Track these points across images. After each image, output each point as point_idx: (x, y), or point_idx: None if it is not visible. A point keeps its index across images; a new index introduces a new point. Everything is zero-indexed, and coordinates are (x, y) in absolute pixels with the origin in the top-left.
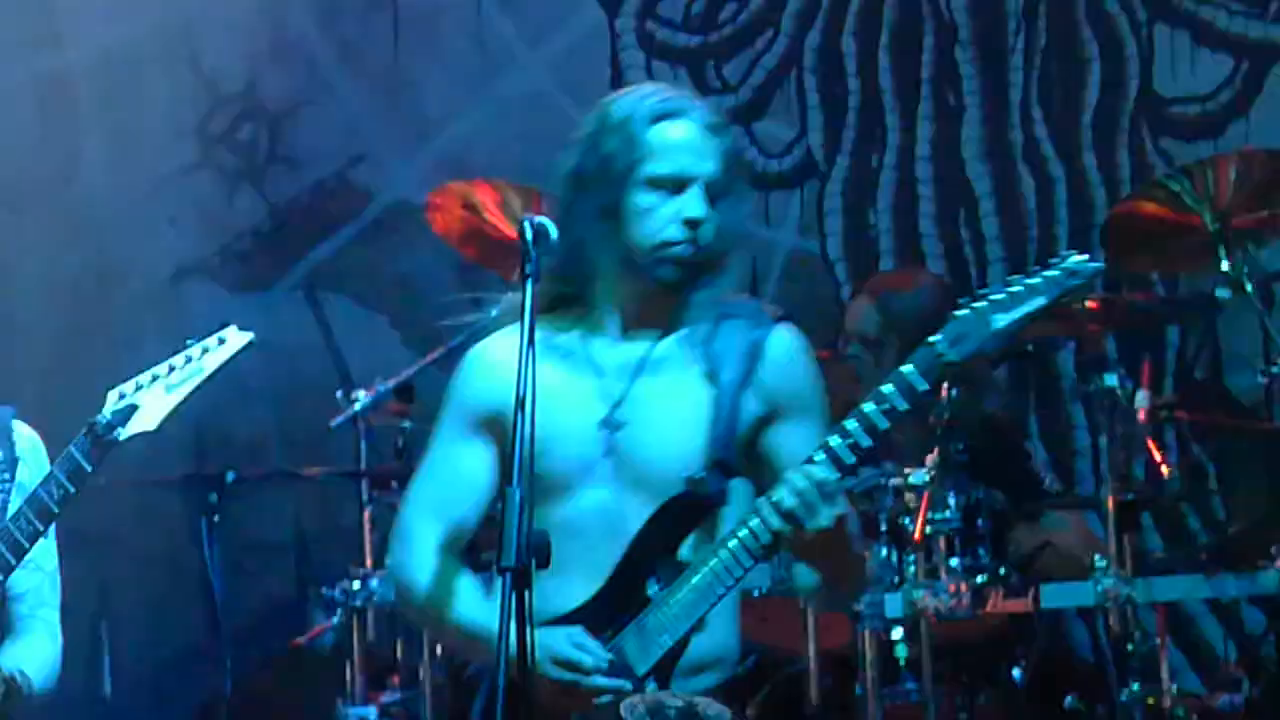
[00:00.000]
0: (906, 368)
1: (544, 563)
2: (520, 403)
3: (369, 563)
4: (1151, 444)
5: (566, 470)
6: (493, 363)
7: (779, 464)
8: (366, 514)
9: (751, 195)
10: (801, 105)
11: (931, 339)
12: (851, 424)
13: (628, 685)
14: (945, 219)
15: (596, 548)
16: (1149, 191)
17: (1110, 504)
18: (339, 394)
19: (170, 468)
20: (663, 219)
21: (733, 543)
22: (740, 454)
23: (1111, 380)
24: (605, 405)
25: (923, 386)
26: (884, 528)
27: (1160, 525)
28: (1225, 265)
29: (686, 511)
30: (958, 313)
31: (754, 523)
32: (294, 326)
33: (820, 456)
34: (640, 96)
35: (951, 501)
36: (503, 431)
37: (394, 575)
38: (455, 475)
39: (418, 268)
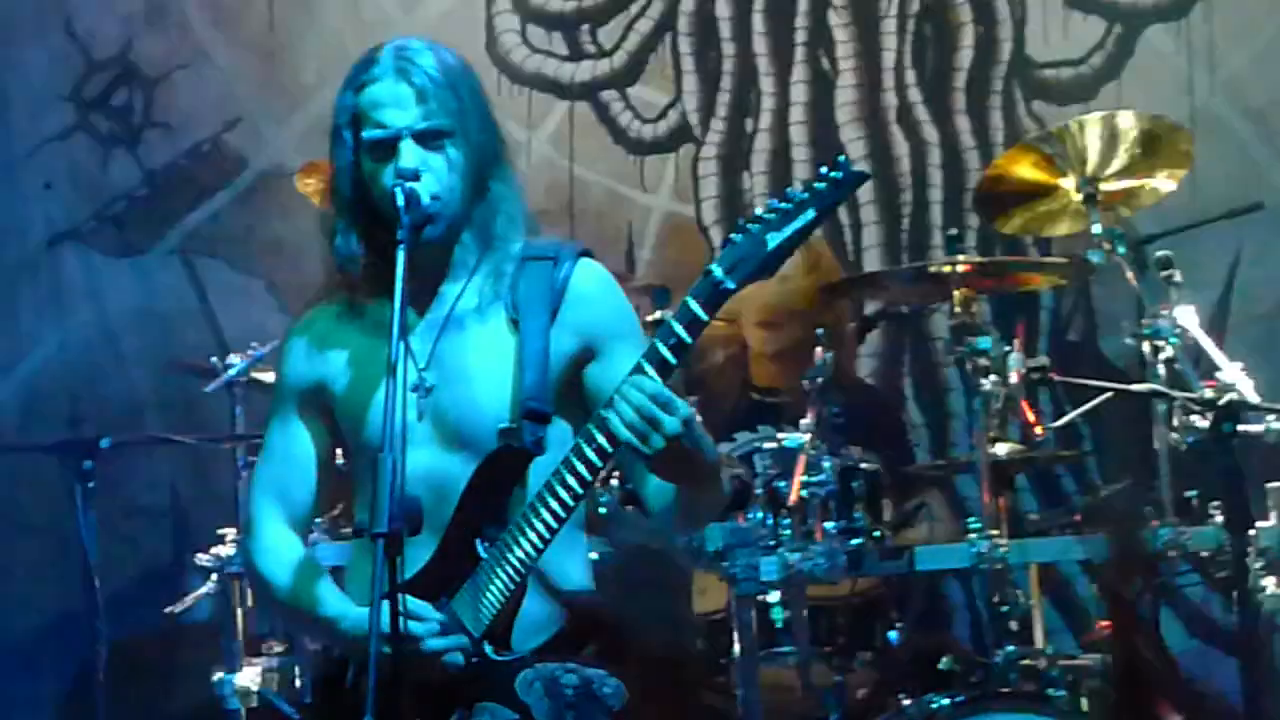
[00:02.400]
0: (689, 299)
1: (415, 529)
2: (392, 369)
3: None
4: (1025, 406)
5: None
6: (310, 339)
7: (596, 402)
8: (242, 479)
9: (493, 126)
10: (676, 70)
11: (709, 267)
12: (644, 361)
13: (464, 641)
14: (813, 182)
15: (430, 512)
16: (1021, 154)
17: (985, 466)
18: (214, 359)
19: (45, 433)
20: (387, 181)
21: (549, 494)
22: (560, 396)
23: (985, 343)
24: (414, 369)
25: (705, 318)
26: (759, 491)
27: (1035, 487)
28: (1097, 228)
29: (506, 466)
30: (733, 236)
31: (569, 468)
32: (169, 292)
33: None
34: (354, 65)
35: (827, 465)
36: (326, 403)
37: (245, 562)
38: (288, 456)
39: (292, 232)
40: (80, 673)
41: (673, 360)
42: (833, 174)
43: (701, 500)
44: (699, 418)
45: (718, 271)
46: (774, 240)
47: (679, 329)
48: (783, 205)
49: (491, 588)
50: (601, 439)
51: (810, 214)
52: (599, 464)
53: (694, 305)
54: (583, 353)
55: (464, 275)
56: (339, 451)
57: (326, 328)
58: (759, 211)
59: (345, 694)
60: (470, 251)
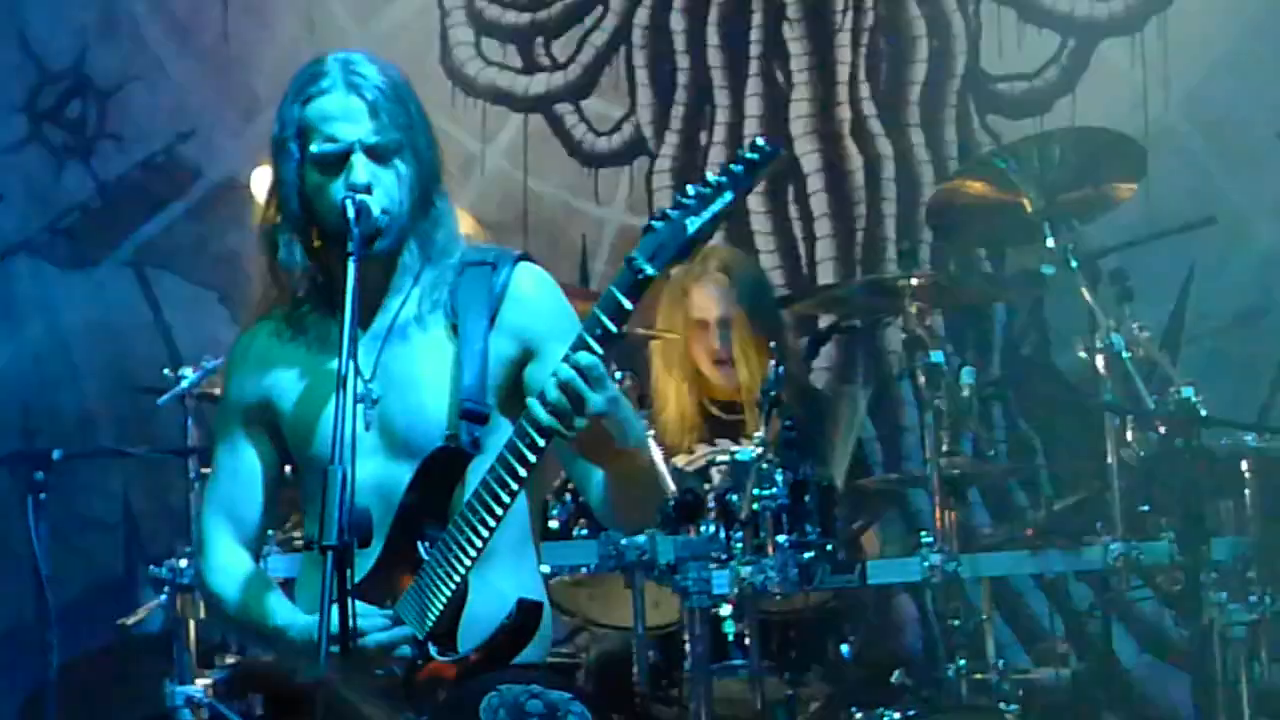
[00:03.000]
0: (612, 288)
1: (366, 541)
2: (342, 381)
3: None
4: (977, 420)
5: None
6: (252, 354)
7: None
8: (194, 492)
9: (435, 141)
10: (630, 83)
11: (630, 254)
12: (575, 356)
13: (409, 632)
14: (773, 196)
15: (380, 522)
16: (975, 169)
17: (936, 480)
18: (166, 371)
19: None
20: (336, 194)
21: (484, 493)
22: (502, 399)
23: (938, 357)
24: (360, 381)
25: (629, 306)
26: (711, 504)
27: (987, 501)
28: (1050, 242)
29: (444, 466)
30: (653, 222)
31: (502, 464)
32: (122, 304)
33: (556, 374)
34: (296, 77)
35: (779, 478)
36: (272, 419)
37: (198, 582)
38: (236, 474)
39: (246, 244)
40: (32, 685)
41: (599, 350)
42: (748, 155)
43: (635, 489)
44: (631, 402)
45: (639, 259)
46: (694, 225)
47: (605, 319)
48: (701, 189)
49: (434, 589)
50: (531, 431)
51: (728, 196)
52: (531, 458)
53: (618, 294)
54: (522, 354)
55: (406, 287)
56: (287, 466)
57: (268, 343)
58: (677, 197)
59: (296, 705)
60: (413, 264)
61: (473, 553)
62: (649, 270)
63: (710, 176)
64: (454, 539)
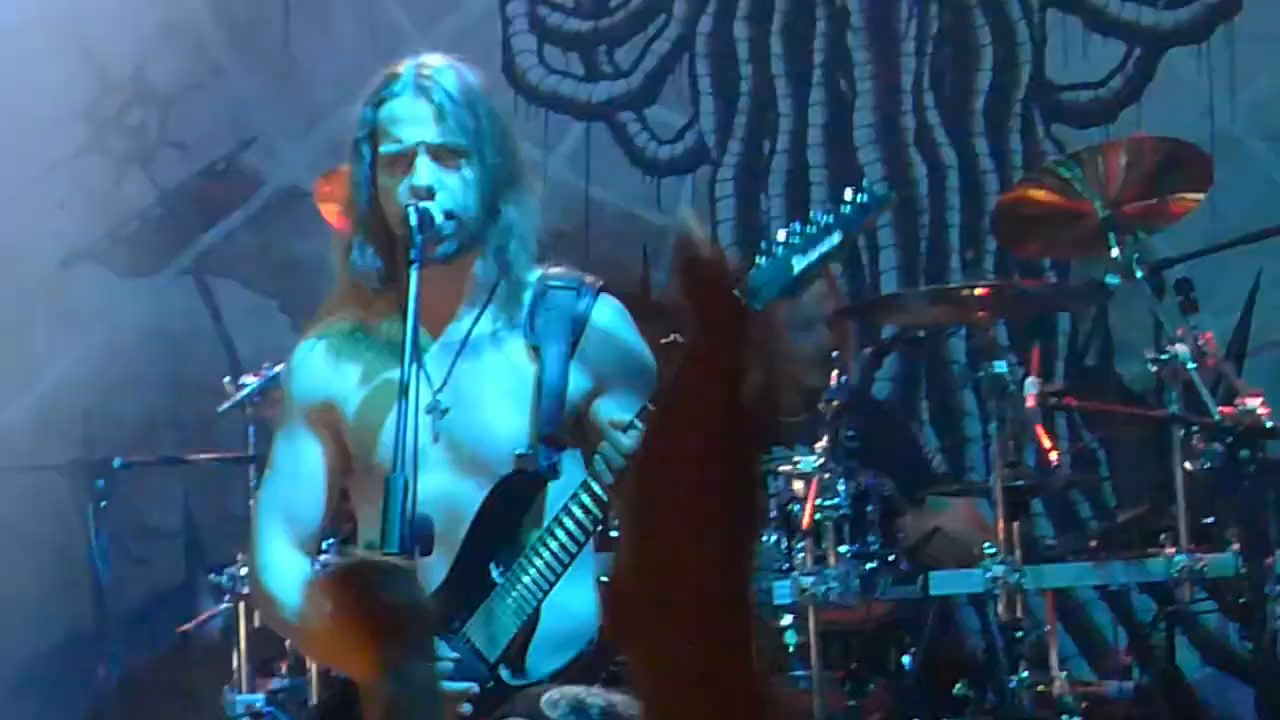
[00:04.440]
0: None
1: (427, 550)
2: (404, 389)
3: None
4: (1041, 431)
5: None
6: (317, 356)
7: (602, 435)
8: (254, 499)
9: (510, 150)
10: (694, 91)
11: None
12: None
13: (474, 687)
14: (837, 205)
15: (442, 535)
16: (1040, 178)
17: (1000, 491)
18: (227, 379)
19: (57, 453)
20: (401, 197)
21: (566, 519)
22: (570, 427)
23: (1002, 367)
24: (429, 391)
25: None
26: (773, 514)
27: (1050, 512)
28: (1115, 252)
29: (519, 491)
30: (757, 260)
31: (584, 496)
32: (183, 311)
33: (636, 423)
34: (376, 82)
35: (841, 488)
36: (336, 422)
37: (251, 582)
38: (295, 474)
39: (307, 252)
40: (91, 693)
41: None
42: (858, 197)
43: None
44: None
45: (741, 295)
46: (799, 264)
47: None
48: (808, 229)
49: (506, 613)
50: (607, 475)
51: (836, 238)
52: (605, 498)
53: None
54: (595, 387)
55: (480, 299)
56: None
57: (338, 344)
58: (784, 235)
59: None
60: (485, 275)
61: (551, 578)
62: (754, 305)
63: (818, 216)
64: (531, 565)
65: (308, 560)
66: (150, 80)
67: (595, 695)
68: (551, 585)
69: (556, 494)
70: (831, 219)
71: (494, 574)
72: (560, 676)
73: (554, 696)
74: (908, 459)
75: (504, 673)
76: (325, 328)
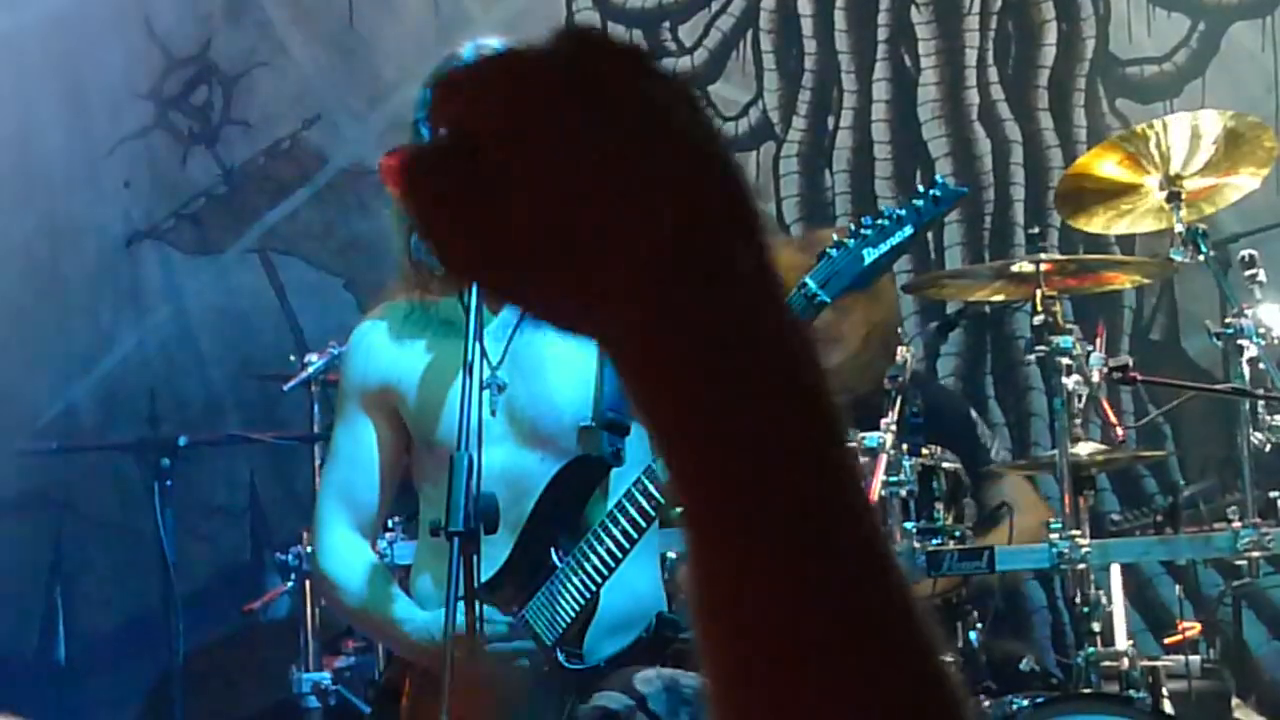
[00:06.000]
0: None
1: (492, 527)
2: (469, 368)
3: None
4: (1106, 405)
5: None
6: (374, 339)
7: None
8: (320, 478)
9: None
10: (758, 68)
11: (804, 279)
12: None
13: (530, 645)
14: (901, 181)
15: (506, 509)
16: (1104, 152)
17: (1066, 466)
18: (292, 357)
19: (123, 432)
20: None
21: (629, 505)
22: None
23: (1066, 343)
24: (487, 367)
25: None
26: None
27: (1116, 487)
28: (1180, 227)
29: (583, 475)
30: (829, 250)
31: (647, 482)
32: (248, 290)
33: None
34: (437, 64)
35: (906, 464)
36: (395, 405)
37: (313, 566)
38: (355, 458)
39: (371, 230)
40: (159, 671)
41: None
42: (932, 192)
43: None
44: None
45: (813, 285)
46: (870, 255)
47: None
48: (880, 221)
49: (568, 598)
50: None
51: (908, 230)
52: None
53: None
54: None
55: None
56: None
57: (395, 327)
58: (855, 227)
59: (400, 708)
60: None
61: (612, 564)
62: (823, 296)
63: (891, 209)
64: (593, 550)
65: (368, 545)
66: (215, 59)
67: (689, 676)
68: (613, 571)
69: (620, 478)
70: (904, 212)
71: (555, 559)
72: (617, 661)
73: (648, 674)
74: (972, 435)
75: (560, 655)
76: (382, 311)
